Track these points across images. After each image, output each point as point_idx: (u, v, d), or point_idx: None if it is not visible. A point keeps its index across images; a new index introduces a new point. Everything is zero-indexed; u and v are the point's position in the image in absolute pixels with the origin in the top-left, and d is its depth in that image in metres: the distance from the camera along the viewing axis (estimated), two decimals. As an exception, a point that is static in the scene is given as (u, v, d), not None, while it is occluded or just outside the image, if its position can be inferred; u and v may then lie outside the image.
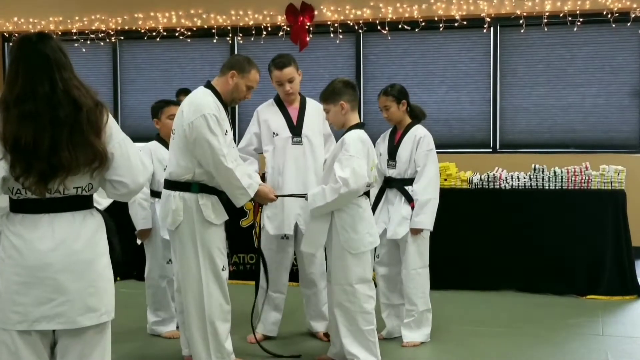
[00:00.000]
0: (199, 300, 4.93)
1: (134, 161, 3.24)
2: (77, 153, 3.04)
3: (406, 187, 5.85)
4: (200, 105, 4.90)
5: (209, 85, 5.10)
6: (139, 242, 6.18)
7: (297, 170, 5.85)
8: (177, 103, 5.98)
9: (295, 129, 5.95)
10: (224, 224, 5.05)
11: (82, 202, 3.19)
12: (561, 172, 7.60)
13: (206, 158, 4.85)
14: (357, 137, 5.01)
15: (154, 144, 6.11)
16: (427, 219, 5.78)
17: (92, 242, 3.19)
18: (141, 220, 6.01)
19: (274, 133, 5.92)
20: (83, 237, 3.16)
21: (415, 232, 5.79)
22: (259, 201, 5.26)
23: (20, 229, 3.11)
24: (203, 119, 4.82)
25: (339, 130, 5.27)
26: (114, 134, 3.20)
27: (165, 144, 5.90)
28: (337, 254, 5.06)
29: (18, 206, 3.13)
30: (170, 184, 4.99)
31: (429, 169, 5.83)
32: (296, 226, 5.90)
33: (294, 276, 6.41)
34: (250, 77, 5.10)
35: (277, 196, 5.36)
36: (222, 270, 4.99)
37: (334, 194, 4.89)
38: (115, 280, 3.34)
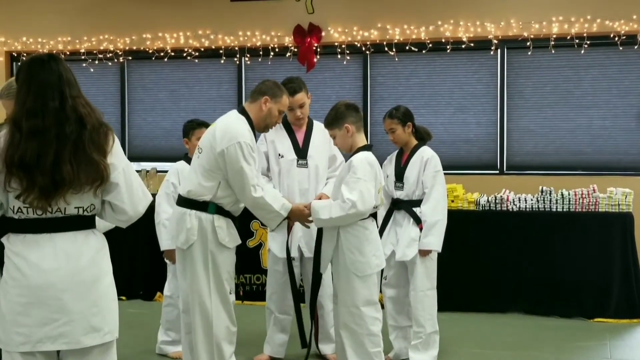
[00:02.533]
0: (207, 321, 4.91)
1: (136, 189, 3.26)
2: (79, 169, 3.06)
3: (414, 209, 5.85)
4: (236, 132, 4.88)
5: (242, 112, 5.09)
6: (167, 261, 6.15)
7: (301, 193, 5.85)
8: (209, 125, 6.00)
9: (301, 152, 5.96)
10: (235, 248, 5.03)
11: (84, 222, 3.19)
12: (568, 194, 7.59)
13: (238, 186, 4.85)
14: (364, 160, 4.99)
15: (182, 164, 6.10)
16: (435, 240, 5.77)
17: (95, 261, 3.19)
18: (165, 241, 5.98)
19: (279, 155, 5.93)
20: (86, 256, 3.16)
21: (424, 253, 5.78)
22: (296, 220, 5.25)
23: (22, 249, 3.10)
24: (238, 147, 4.80)
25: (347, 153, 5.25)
26: (120, 159, 3.21)
27: None
28: (344, 276, 5.03)
29: (20, 226, 3.13)
30: (187, 202, 4.95)
31: (437, 190, 5.83)
32: (300, 249, 5.91)
33: (300, 297, 6.39)
34: (282, 101, 5.11)
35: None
36: (230, 293, 4.97)
37: (340, 212, 4.87)
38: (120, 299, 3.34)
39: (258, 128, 5.08)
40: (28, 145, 3.02)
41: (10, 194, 3.06)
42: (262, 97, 5.03)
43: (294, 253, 5.89)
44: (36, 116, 3.04)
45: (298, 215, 5.16)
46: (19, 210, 3.09)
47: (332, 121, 5.17)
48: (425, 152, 5.92)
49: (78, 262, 3.13)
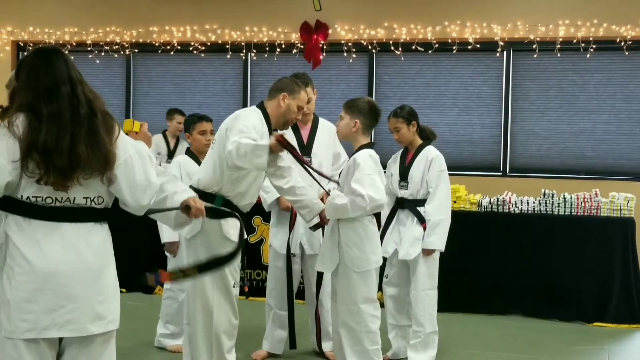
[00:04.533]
0: (208, 313, 4.91)
1: (139, 181, 3.27)
2: (93, 151, 3.11)
3: (418, 208, 5.85)
4: (241, 118, 4.86)
5: (260, 107, 5.07)
6: (168, 254, 6.15)
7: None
8: (210, 119, 6.04)
9: (305, 148, 5.97)
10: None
11: (91, 214, 3.22)
12: (571, 198, 7.59)
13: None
14: (368, 157, 5.01)
15: (184, 157, 6.11)
16: (439, 239, 5.78)
17: (101, 251, 3.23)
18: (166, 233, 5.97)
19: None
20: (92, 245, 3.19)
21: (427, 252, 5.79)
22: (276, 147, 4.62)
23: (29, 237, 3.12)
24: (237, 126, 4.72)
25: (344, 142, 5.27)
26: (123, 150, 3.24)
27: (196, 158, 5.92)
28: (343, 273, 5.03)
29: (26, 211, 3.15)
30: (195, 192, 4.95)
31: (441, 189, 5.83)
32: (301, 245, 5.92)
33: (300, 294, 6.41)
34: (300, 97, 5.10)
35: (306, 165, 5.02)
36: (233, 286, 4.97)
37: (358, 210, 4.86)
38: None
39: (277, 125, 5.06)
40: (48, 130, 3.06)
41: (24, 179, 3.08)
42: (280, 94, 5.02)
43: (295, 250, 5.91)
44: (51, 100, 3.10)
45: (277, 142, 4.60)
46: (28, 198, 3.12)
47: (351, 107, 5.17)
48: (430, 152, 5.92)
49: (85, 251, 3.17)
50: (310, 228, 5.32)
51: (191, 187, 5.04)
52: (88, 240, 3.18)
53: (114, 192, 3.27)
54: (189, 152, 6.17)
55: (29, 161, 3.06)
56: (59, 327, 3.12)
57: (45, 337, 3.12)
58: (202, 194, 4.89)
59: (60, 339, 3.19)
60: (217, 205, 4.86)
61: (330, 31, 10.23)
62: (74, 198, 3.15)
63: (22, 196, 3.12)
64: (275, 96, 5.04)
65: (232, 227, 4.90)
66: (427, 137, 6.04)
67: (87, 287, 3.16)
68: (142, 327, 6.69)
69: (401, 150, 6.10)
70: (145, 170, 3.30)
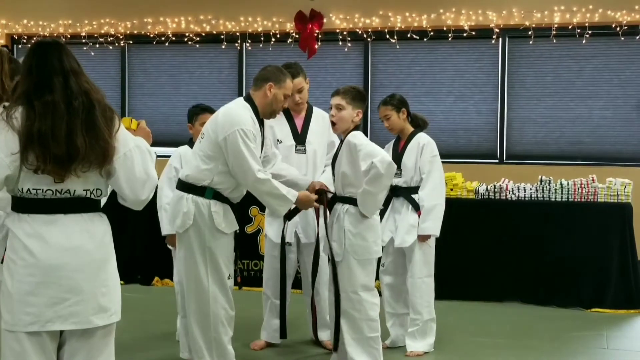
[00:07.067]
0: (204, 305, 4.91)
1: (139, 177, 3.26)
2: (91, 143, 3.10)
3: (413, 196, 5.85)
4: (237, 119, 4.88)
5: (248, 99, 5.08)
6: (169, 246, 6.13)
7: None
8: (213, 110, 6.00)
9: (300, 138, 5.97)
10: (233, 233, 5.02)
11: (91, 205, 3.23)
12: (568, 184, 7.58)
13: (240, 172, 4.83)
14: (360, 135, 5.09)
15: (185, 148, 6.07)
16: (434, 224, 5.78)
17: (104, 243, 3.25)
18: (166, 225, 5.94)
19: (277, 140, 5.93)
20: (95, 237, 3.20)
21: (423, 238, 5.79)
22: (301, 207, 5.21)
23: (33, 230, 3.13)
24: (239, 133, 4.79)
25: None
26: (122, 144, 3.23)
27: None
28: (344, 261, 5.05)
29: (27, 206, 3.15)
30: (185, 186, 4.96)
31: (434, 175, 5.83)
32: (297, 234, 5.91)
33: (297, 283, 6.40)
34: (286, 86, 5.10)
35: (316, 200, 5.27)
36: (228, 278, 4.97)
37: (377, 181, 4.87)
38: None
39: (264, 115, 5.07)
40: (42, 118, 3.06)
41: (23, 172, 3.09)
42: (267, 84, 5.02)
43: (290, 239, 5.89)
44: (44, 91, 3.10)
45: (304, 202, 5.14)
46: (28, 191, 3.12)
47: (353, 97, 5.19)
48: (422, 138, 5.91)
49: (89, 243, 3.18)
50: (285, 215, 5.29)
51: (180, 180, 5.04)
52: (90, 232, 3.19)
53: (113, 186, 3.27)
54: (190, 142, 6.14)
55: (29, 153, 3.06)
56: (62, 319, 3.12)
57: (48, 330, 3.12)
58: (192, 187, 4.91)
59: (62, 331, 3.19)
60: (207, 197, 4.87)
61: (325, 20, 10.21)
62: (74, 190, 3.15)
63: (22, 189, 3.12)
64: (262, 86, 5.04)
65: (223, 219, 4.90)
66: (419, 125, 6.04)
67: (90, 280, 3.17)
68: (140, 319, 6.69)
69: (394, 139, 6.09)
70: (145, 164, 3.29)
